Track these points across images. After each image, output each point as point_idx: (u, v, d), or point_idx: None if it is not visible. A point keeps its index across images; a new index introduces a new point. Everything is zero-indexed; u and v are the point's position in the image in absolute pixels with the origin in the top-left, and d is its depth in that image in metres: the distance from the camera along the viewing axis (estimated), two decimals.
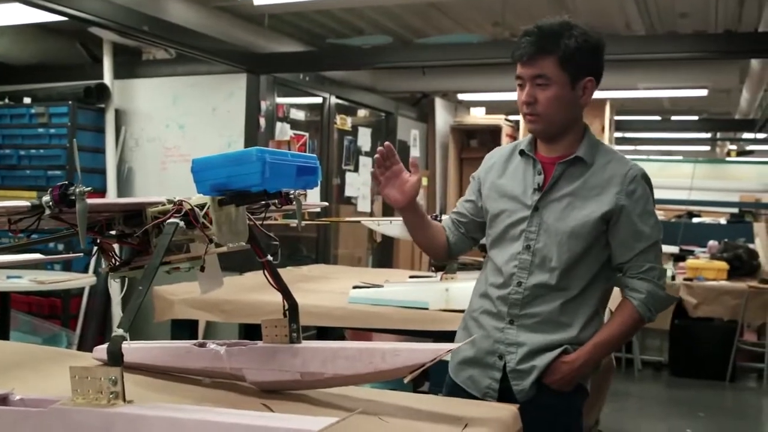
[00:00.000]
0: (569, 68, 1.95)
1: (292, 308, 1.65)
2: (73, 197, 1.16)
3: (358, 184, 7.28)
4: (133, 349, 1.41)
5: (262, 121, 5.76)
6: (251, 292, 3.30)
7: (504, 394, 2.02)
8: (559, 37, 1.94)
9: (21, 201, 1.14)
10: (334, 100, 6.93)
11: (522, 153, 2.12)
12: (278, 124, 6.04)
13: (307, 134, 6.50)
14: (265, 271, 1.61)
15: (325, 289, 3.66)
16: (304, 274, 4.15)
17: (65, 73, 6.37)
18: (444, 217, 2.43)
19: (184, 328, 3.49)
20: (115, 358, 1.16)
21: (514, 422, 1.54)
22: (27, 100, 6.14)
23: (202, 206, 1.37)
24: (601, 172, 2.02)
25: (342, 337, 3.81)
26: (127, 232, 1.45)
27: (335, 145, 7.08)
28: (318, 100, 6.81)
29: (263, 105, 5.79)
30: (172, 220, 1.34)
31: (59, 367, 1.87)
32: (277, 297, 1.69)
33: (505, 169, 2.15)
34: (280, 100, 6.12)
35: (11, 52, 6.24)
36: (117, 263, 1.47)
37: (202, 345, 1.75)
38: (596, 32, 2.02)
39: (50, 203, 1.17)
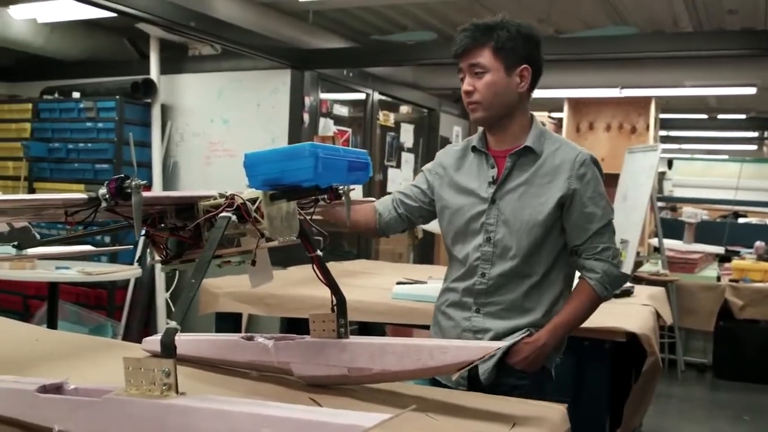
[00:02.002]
0: (503, 56, 2.05)
1: (340, 303, 1.65)
2: (129, 190, 1.17)
3: (400, 179, 7.28)
4: (182, 341, 1.42)
5: (306, 117, 5.79)
6: (295, 286, 3.32)
7: (473, 382, 2.09)
8: (493, 29, 2.06)
9: (78, 193, 1.15)
10: (377, 96, 6.93)
11: (474, 149, 2.21)
12: (322, 120, 6.07)
13: (350, 130, 6.52)
14: (314, 266, 1.61)
15: (369, 284, 3.66)
16: (347, 269, 4.16)
17: (113, 69, 6.46)
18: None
19: (229, 321, 3.53)
20: (168, 350, 1.17)
21: (562, 422, 1.53)
22: (76, 95, 6.24)
23: (253, 200, 1.38)
24: (550, 159, 2.10)
25: (383, 333, 3.81)
26: (179, 225, 1.46)
27: (378, 141, 7.09)
28: (361, 96, 6.82)
29: (307, 101, 5.81)
30: (224, 214, 1.35)
31: (110, 357, 1.90)
32: (322, 291, 1.69)
33: (461, 166, 2.23)
34: (323, 95, 6.15)
35: (61, 48, 6.35)
36: (168, 256, 1.48)
37: (249, 338, 1.77)
38: (532, 27, 2.13)
39: (106, 196, 1.19)
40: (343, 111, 6.57)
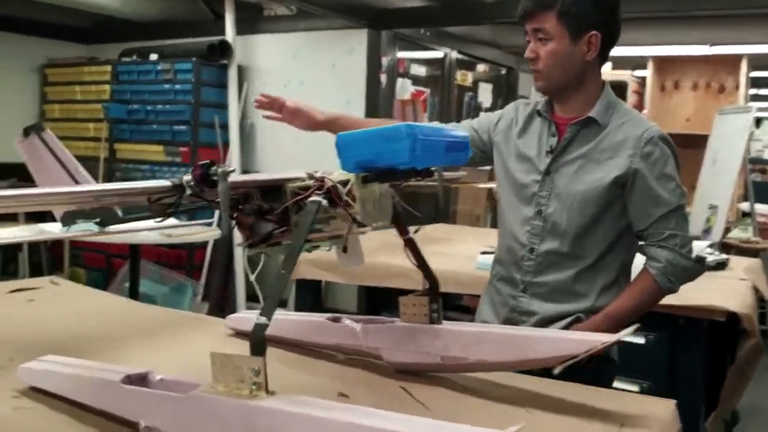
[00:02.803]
0: (568, 22, 1.89)
1: (433, 287, 1.56)
2: (215, 177, 1.10)
3: None
4: None
5: (383, 78, 5.67)
6: (376, 253, 3.23)
7: None
8: None
9: (162, 180, 1.08)
10: (455, 55, 6.76)
11: (539, 113, 2.06)
12: (399, 80, 5.94)
13: (427, 90, 6.39)
14: (407, 249, 1.52)
15: (450, 251, 3.57)
16: (428, 234, 4.06)
17: (189, 30, 6.45)
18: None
19: (309, 289, 3.49)
20: (258, 347, 1.10)
21: (673, 421, 1.42)
22: (153, 57, 6.25)
23: (344, 183, 1.30)
24: (615, 133, 1.94)
25: (460, 305, 3.70)
26: (265, 207, 1.39)
27: (455, 100, 6.94)
28: (439, 55, 6.66)
29: (384, 61, 5.69)
30: (314, 198, 1.27)
31: (196, 334, 1.87)
32: (402, 260, 1.60)
33: (525, 129, 2.08)
34: (400, 55, 6.01)
35: (137, 10, 6.36)
36: (254, 239, 1.41)
37: (336, 320, 1.70)
38: None
39: (191, 183, 1.11)
40: (420, 71, 6.43)
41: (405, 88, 5.92)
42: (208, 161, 1.10)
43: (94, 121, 6.58)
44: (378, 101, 5.59)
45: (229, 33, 6.06)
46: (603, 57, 1.97)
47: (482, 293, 2.20)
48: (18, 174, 6.62)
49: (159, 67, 6.16)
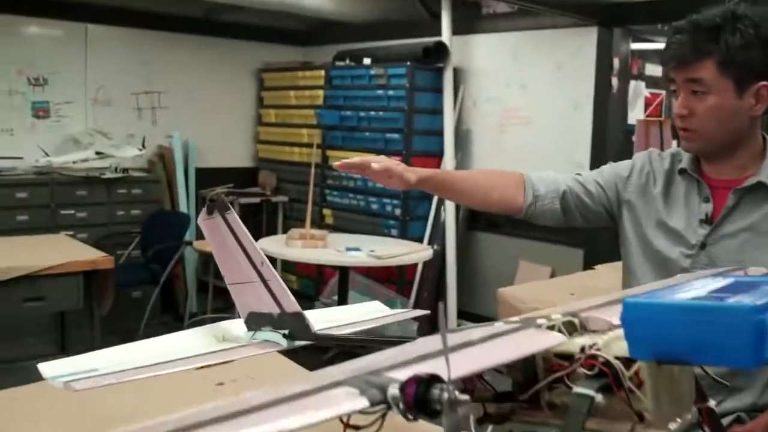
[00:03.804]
0: (733, 71, 1.56)
1: None
2: (438, 406, 0.68)
3: None
4: None
5: (614, 81, 5.06)
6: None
7: None
8: (719, 31, 1.55)
9: (356, 399, 0.69)
10: None
11: (682, 172, 1.74)
12: (632, 83, 5.30)
13: (663, 93, 5.68)
14: (703, 423, 1.04)
15: None
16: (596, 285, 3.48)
17: (403, 31, 6.16)
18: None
19: None
20: None
21: None
22: (366, 61, 6.02)
23: (626, 361, 0.85)
24: None
25: None
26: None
27: None
28: None
29: (616, 62, 5.07)
30: (583, 390, 0.83)
31: None
32: None
33: (668, 190, 1.76)
34: (633, 53, 5.35)
35: (353, 12, 6.16)
36: (488, 414, 1.00)
37: None
38: None
39: (399, 403, 0.70)
40: (656, 71, 5.72)
41: (638, 92, 5.26)
42: (427, 377, 0.68)
43: (308, 126, 6.48)
44: (608, 107, 5.00)
45: (446, 33, 5.69)
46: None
47: None
48: (234, 179, 6.74)
49: (372, 72, 5.92)
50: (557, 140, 5.13)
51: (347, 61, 6.24)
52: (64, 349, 4.21)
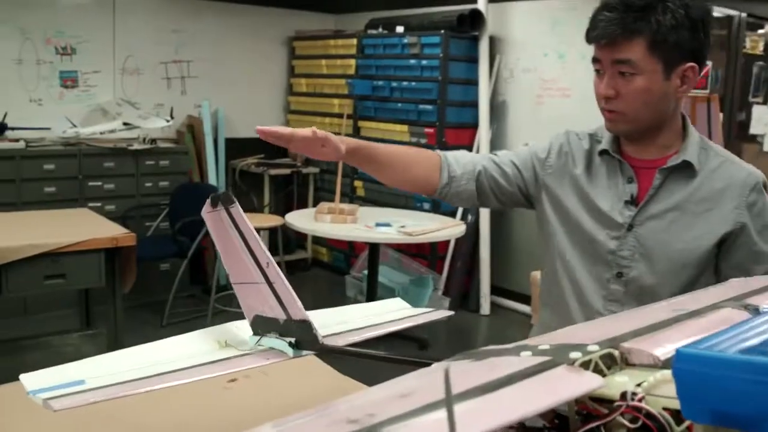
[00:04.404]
0: (663, 53, 1.51)
1: None
2: None
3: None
4: None
5: None
6: None
7: None
8: (650, 11, 1.50)
9: None
10: (744, 17, 5.70)
11: (602, 153, 1.70)
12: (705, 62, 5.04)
13: (709, 64, 5.42)
14: None
15: None
16: None
17: None
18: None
19: None
20: None
21: None
22: (400, 29, 5.84)
23: (677, 413, 0.71)
24: (710, 180, 1.63)
25: None
26: None
27: (740, 72, 5.89)
28: (723, 18, 5.65)
29: None
30: None
31: None
32: None
33: (590, 171, 1.72)
34: None
35: None
36: None
37: None
38: (703, 2, 1.58)
39: None
40: None
41: None
42: None
43: (339, 96, 6.33)
44: None
45: (481, 1, 5.49)
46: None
47: None
48: (265, 150, 6.62)
49: (405, 41, 5.75)
50: (596, 113, 4.90)
51: (380, 30, 6.07)
52: (89, 324, 4.16)
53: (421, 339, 4.73)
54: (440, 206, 5.50)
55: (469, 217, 5.54)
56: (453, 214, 5.49)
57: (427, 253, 5.78)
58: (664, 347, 0.88)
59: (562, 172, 1.75)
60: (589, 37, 1.56)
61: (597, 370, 0.85)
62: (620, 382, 0.80)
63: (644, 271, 1.64)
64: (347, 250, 6.40)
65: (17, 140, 5.16)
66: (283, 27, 6.78)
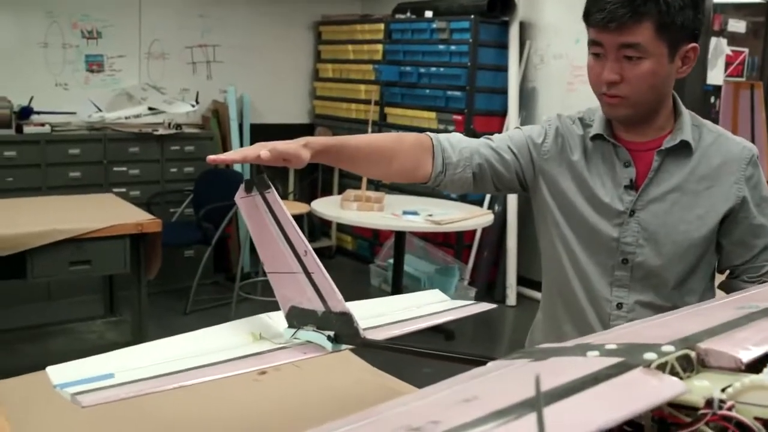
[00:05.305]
0: (669, 34, 1.47)
1: None
2: None
3: None
4: None
5: None
6: None
7: None
8: None
9: None
10: None
11: (595, 137, 1.64)
12: (713, 40, 4.93)
13: (746, 50, 5.29)
14: None
15: None
16: None
17: None
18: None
19: None
20: None
21: None
22: (428, 14, 5.75)
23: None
24: (709, 156, 1.60)
25: None
26: None
27: None
28: (761, 1, 5.50)
29: None
30: None
31: None
32: None
33: (587, 156, 1.66)
34: (716, 0, 4.96)
35: None
36: None
37: None
38: None
39: None
40: (739, 26, 5.33)
41: (719, 50, 4.89)
42: None
43: (366, 82, 6.26)
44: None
45: None
46: None
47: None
48: (290, 136, 6.54)
49: (434, 26, 5.66)
50: None
51: (408, 14, 5.98)
52: (113, 311, 4.13)
53: (447, 330, 4.66)
54: (467, 195, 5.41)
55: (496, 207, 5.45)
56: (480, 203, 5.40)
57: (453, 242, 5.70)
58: (747, 349, 0.80)
59: (560, 158, 1.69)
60: (592, 20, 1.48)
61: (673, 373, 0.77)
62: (702, 387, 0.73)
63: (650, 255, 1.61)
64: (371, 238, 6.33)
65: (43, 124, 5.12)
66: (310, 12, 6.71)
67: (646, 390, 0.69)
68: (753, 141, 4.90)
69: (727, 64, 5.08)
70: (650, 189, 1.60)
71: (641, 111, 1.57)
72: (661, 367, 0.76)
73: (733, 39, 5.23)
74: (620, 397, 0.68)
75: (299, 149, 1.36)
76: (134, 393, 1.05)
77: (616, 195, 1.62)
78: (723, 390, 0.72)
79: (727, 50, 4.95)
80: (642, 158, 1.62)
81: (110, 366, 1.13)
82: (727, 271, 1.70)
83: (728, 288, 1.67)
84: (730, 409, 0.68)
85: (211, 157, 1.32)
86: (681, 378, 0.77)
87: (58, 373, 1.10)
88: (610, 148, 1.63)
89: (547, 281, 1.80)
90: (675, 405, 0.72)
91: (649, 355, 0.77)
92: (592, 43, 1.53)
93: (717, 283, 1.74)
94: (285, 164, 1.36)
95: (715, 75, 4.85)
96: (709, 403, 0.69)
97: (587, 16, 1.50)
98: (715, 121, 4.69)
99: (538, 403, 0.53)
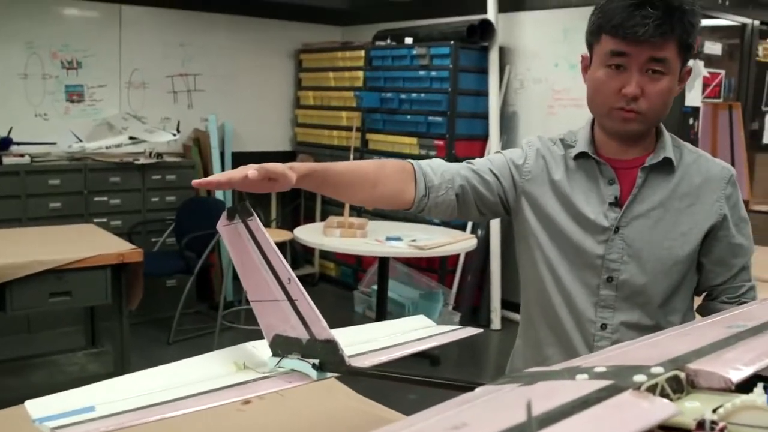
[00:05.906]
0: (685, 53, 1.52)
1: None
2: None
3: None
4: None
5: None
6: None
7: None
8: (681, 12, 1.47)
9: None
10: (756, 25, 5.64)
11: (579, 156, 1.64)
12: (690, 62, 4.98)
13: (722, 72, 5.35)
14: None
15: None
16: None
17: (446, 8, 5.91)
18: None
19: None
20: None
21: None
22: (408, 41, 5.78)
23: None
24: (690, 174, 1.63)
25: None
26: None
27: (753, 81, 5.82)
28: (736, 26, 5.58)
29: None
30: None
31: None
32: None
33: (570, 176, 1.67)
34: None
35: None
36: None
37: None
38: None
39: None
40: (715, 49, 5.40)
41: (697, 72, 4.94)
42: None
43: (347, 109, 6.27)
44: None
45: (491, 11, 5.45)
46: None
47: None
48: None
49: (414, 52, 5.69)
50: None
51: (388, 41, 6.02)
52: (94, 342, 4.07)
53: (433, 356, 4.64)
54: (450, 221, 5.41)
55: (479, 231, 5.46)
56: (463, 228, 5.41)
57: (437, 267, 5.70)
58: (737, 369, 0.80)
59: (542, 178, 1.68)
60: (622, 31, 1.46)
61: (663, 395, 0.77)
62: (693, 409, 0.72)
63: (634, 272, 1.61)
64: (355, 264, 6.31)
65: (22, 155, 5.09)
66: (290, 40, 6.73)
67: (637, 413, 0.69)
68: (733, 160, 4.95)
69: (705, 86, 5.13)
70: (634, 206, 1.61)
71: (649, 127, 1.59)
72: (651, 389, 0.75)
73: (710, 61, 5.29)
74: (611, 421, 0.67)
75: (286, 169, 1.34)
76: (115, 426, 1.03)
77: (600, 211, 1.62)
78: (714, 411, 0.71)
79: (704, 72, 5.01)
80: (626, 176, 1.62)
81: (91, 399, 1.11)
82: (704, 294, 1.71)
83: (706, 310, 1.67)
84: (722, 430, 0.67)
85: (196, 181, 1.31)
86: (671, 399, 0.76)
87: (37, 407, 1.08)
88: (594, 165, 1.64)
89: (526, 306, 1.78)
90: (666, 427, 0.71)
91: (639, 377, 0.76)
92: (613, 54, 1.51)
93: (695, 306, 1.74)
94: (271, 186, 1.34)
95: (693, 97, 4.90)
96: (700, 424, 0.68)
97: (615, 27, 1.48)
98: (695, 142, 4.74)
99: (529, 428, 0.52)
